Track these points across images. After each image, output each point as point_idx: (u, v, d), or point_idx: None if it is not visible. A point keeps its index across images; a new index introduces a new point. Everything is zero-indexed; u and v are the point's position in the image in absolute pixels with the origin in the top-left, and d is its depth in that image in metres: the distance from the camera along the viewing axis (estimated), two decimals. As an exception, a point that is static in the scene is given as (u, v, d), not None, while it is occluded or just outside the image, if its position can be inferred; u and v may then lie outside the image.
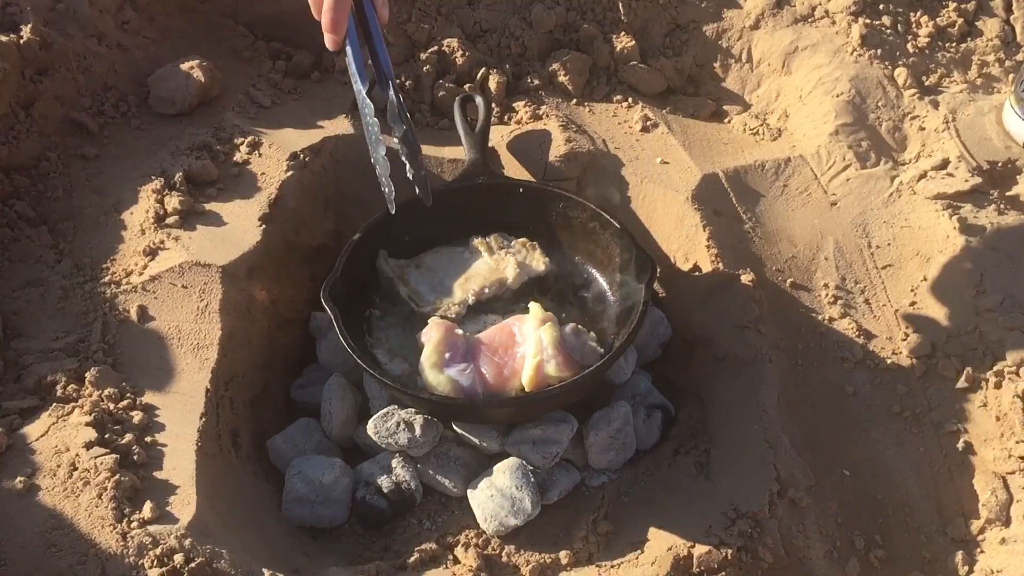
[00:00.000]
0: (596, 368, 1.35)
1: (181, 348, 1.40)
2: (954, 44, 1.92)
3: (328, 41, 1.29)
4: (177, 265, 1.46)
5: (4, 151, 1.56)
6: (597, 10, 1.94)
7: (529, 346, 1.37)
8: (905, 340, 1.53)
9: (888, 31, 1.91)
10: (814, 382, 1.51)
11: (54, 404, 1.30)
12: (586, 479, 1.43)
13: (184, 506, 1.21)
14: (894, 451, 1.44)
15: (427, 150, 1.73)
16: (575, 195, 1.59)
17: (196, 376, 1.38)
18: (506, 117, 1.82)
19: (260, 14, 1.92)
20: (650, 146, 1.78)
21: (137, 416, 1.30)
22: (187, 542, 1.17)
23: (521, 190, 1.61)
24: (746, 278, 1.55)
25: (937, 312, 1.55)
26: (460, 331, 1.43)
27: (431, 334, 1.40)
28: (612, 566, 1.30)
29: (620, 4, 1.92)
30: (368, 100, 1.31)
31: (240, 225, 1.55)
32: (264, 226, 1.55)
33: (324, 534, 1.39)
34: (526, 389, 1.36)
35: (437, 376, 1.37)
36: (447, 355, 1.38)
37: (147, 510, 1.19)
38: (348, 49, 1.31)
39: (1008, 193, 1.68)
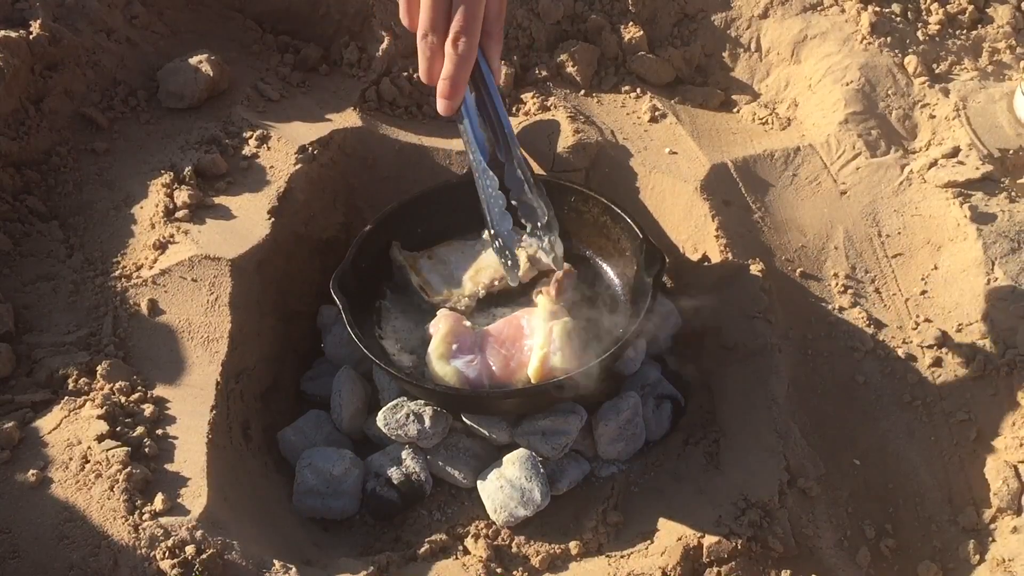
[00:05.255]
0: (601, 360, 1.35)
1: (191, 341, 1.41)
2: (964, 31, 1.91)
3: (441, 107, 1.20)
4: (187, 259, 1.46)
5: (15, 146, 1.57)
6: (605, 0, 1.93)
7: (537, 339, 1.37)
8: (915, 329, 1.52)
9: (898, 19, 1.90)
10: (824, 372, 1.50)
11: (66, 397, 1.31)
12: (596, 470, 1.43)
13: (195, 498, 1.22)
14: (904, 440, 1.44)
15: (434, 142, 1.73)
16: (586, 188, 1.58)
17: (206, 369, 1.39)
18: (514, 108, 1.81)
19: (268, 8, 1.92)
20: (658, 136, 1.77)
21: (148, 409, 1.31)
22: (198, 534, 1.17)
23: None
24: (755, 268, 1.55)
25: (948, 301, 1.55)
26: (468, 323, 1.43)
27: (439, 325, 1.40)
28: (622, 556, 1.30)
29: (628, -6, 1.92)
30: (491, 173, 1.29)
31: (249, 218, 1.55)
32: (273, 219, 1.55)
33: (335, 525, 1.39)
34: (532, 381, 1.36)
35: (443, 367, 1.37)
36: (454, 346, 1.38)
37: (158, 502, 1.19)
38: (466, 120, 1.27)
39: (1019, 181, 1.67)
